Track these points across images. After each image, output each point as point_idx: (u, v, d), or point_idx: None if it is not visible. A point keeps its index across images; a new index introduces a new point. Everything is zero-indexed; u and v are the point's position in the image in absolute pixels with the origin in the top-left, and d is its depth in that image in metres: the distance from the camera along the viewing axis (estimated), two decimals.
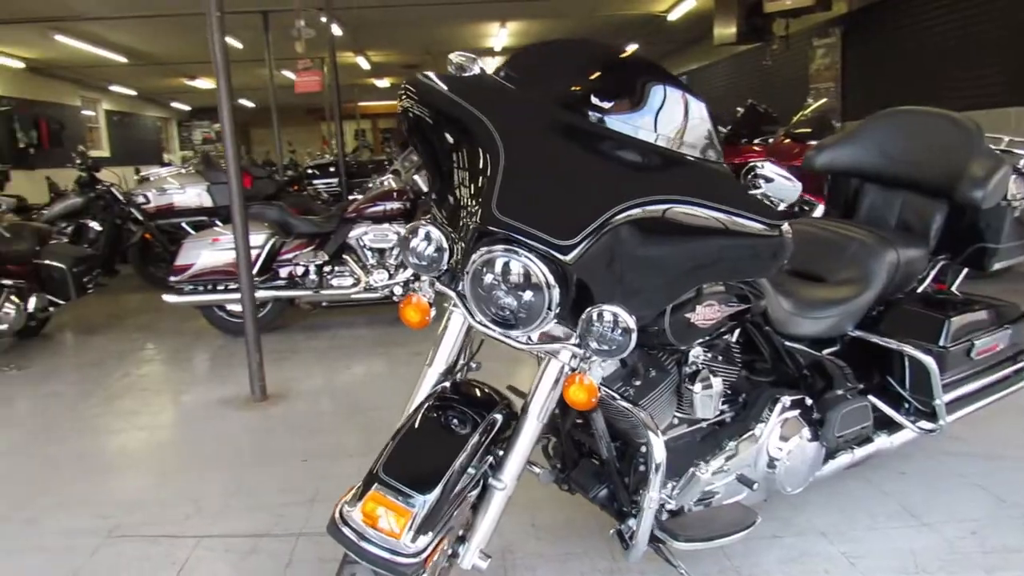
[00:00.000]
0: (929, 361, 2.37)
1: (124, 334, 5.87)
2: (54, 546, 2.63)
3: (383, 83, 18.96)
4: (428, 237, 1.84)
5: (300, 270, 5.38)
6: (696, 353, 2.11)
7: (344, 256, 5.46)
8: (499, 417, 1.87)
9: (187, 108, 22.98)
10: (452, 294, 1.85)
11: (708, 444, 2.23)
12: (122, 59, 13.42)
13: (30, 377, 4.84)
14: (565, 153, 1.77)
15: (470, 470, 1.78)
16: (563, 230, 1.63)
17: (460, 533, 1.91)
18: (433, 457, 1.70)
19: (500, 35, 13.87)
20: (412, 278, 1.96)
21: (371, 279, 5.31)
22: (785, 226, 1.85)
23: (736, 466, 2.22)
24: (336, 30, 11.77)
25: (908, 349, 2.39)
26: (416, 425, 1.78)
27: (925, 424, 2.50)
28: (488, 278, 1.71)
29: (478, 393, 1.95)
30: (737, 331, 2.29)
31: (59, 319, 6.17)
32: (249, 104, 21.56)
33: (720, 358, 2.21)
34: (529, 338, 1.80)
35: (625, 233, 1.66)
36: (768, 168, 1.99)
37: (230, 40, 12.21)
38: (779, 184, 1.99)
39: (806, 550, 2.39)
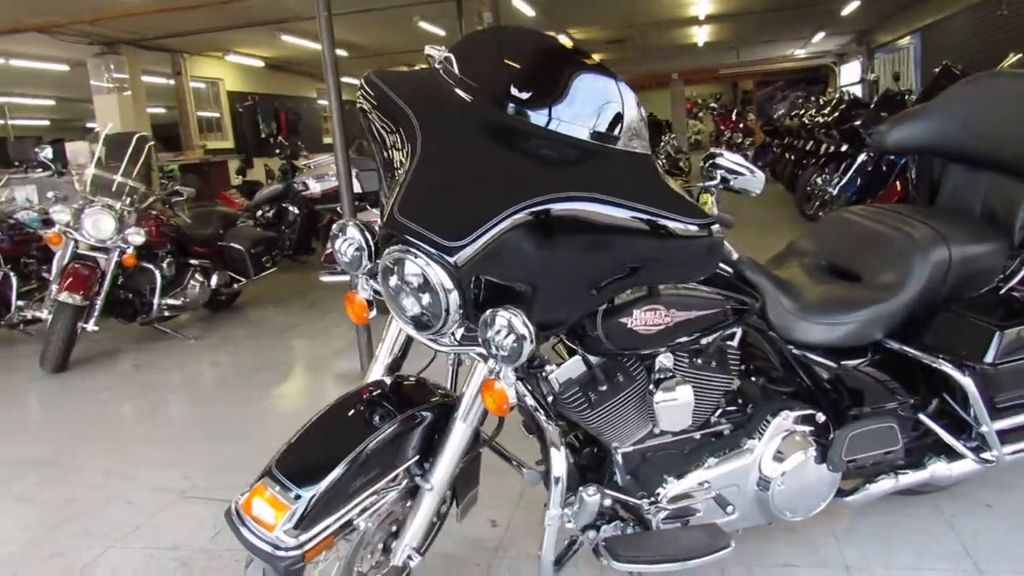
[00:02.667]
0: (967, 381, 1.98)
1: (294, 310, 6.45)
2: (136, 501, 2.99)
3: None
4: (354, 236, 1.87)
5: None
6: (665, 360, 1.94)
7: None
8: (428, 415, 1.85)
9: None
10: (383, 293, 1.85)
11: (691, 457, 2.05)
12: (343, 52, 14.57)
13: (203, 346, 5.49)
14: (477, 150, 1.70)
15: (397, 464, 1.79)
16: (453, 231, 1.57)
17: (393, 529, 1.93)
18: (325, 452, 1.72)
19: (701, 3, 13.22)
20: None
21: None
22: (716, 226, 1.64)
23: (720, 484, 2.02)
24: (528, 11, 11.95)
25: (941, 364, 2.01)
26: (319, 419, 1.81)
27: (985, 454, 2.10)
28: (393, 279, 1.70)
29: (415, 390, 1.94)
30: (738, 335, 2.07)
31: (253, 292, 6.89)
32: None
33: (713, 364, 2.01)
34: (454, 339, 1.76)
35: (524, 234, 1.57)
36: (728, 158, 1.79)
37: (432, 28, 12.76)
38: (740, 174, 1.79)
39: None
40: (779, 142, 12.83)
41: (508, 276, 1.61)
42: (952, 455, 2.18)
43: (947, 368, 2.01)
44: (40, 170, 6.44)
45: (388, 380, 1.96)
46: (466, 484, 2.07)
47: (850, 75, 20.46)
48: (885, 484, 2.18)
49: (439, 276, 1.57)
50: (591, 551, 1.96)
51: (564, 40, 1.77)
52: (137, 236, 5.15)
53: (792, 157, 10.88)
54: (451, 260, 1.55)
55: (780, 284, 2.05)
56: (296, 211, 8.21)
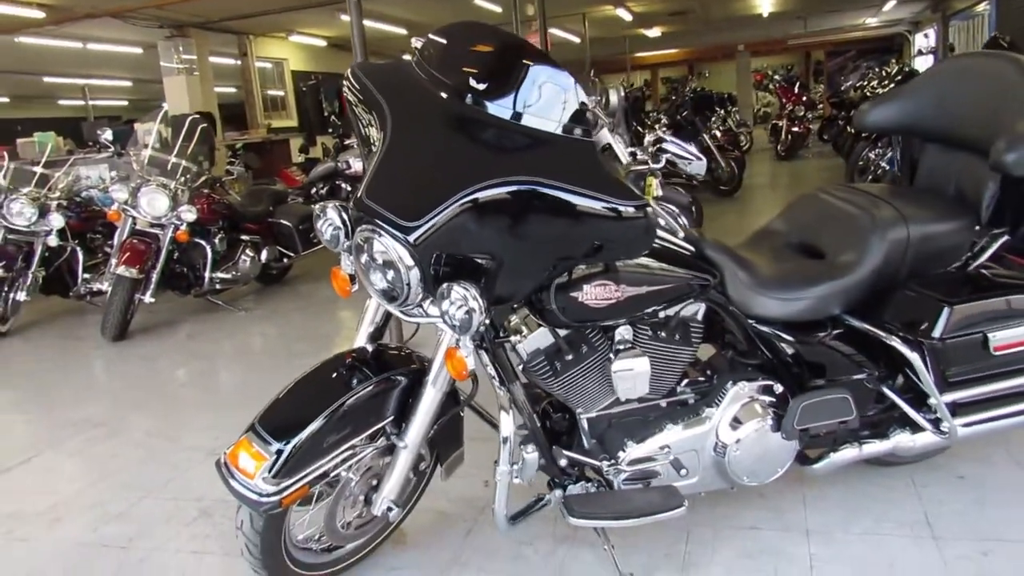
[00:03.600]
0: (914, 356, 2.05)
1: None
2: (172, 458, 3.28)
3: (653, 32, 18.65)
4: (333, 217, 2.04)
5: None
6: (624, 332, 2.07)
7: None
8: (403, 379, 2.04)
9: None
10: (356, 268, 2.02)
11: (653, 424, 2.17)
12: (402, 31, 14.78)
13: (253, 318, 5.81)
14: (436, 137, 1.85)
15: (373, 423, 1.99)
16: (411, 212, 1.73)
17: (374, 483, 2.13)
18: (303, 410, 1.93)
19: None
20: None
21: None
22: (649, 208, 1.77)
23: (679, 449, 2.14)
24: None
25: (891, 339, 2.08)
26: (300, 381, 2.02)
27: (943, 426, 2.16)
28: (364, 257, 1.87)
29: (394, 357, 2.13)
30: (702, 310, 2.18)
31: (304, 267, 7.18)
32: None
33: (676, 337, 2.13)
34: (423, 311, 1.92)
35: (474, 215, 1.72)
36: (672, 143, 1.90)
37: (488, 5, 12.85)
38: (684, 159, 1.90)
39: (774, 547, 2.22)
40: (845, 114, 12.51)
41: (463, 253, 1.77)
42: (916, 427, 2.24)
43: (896, 343, 2.08)
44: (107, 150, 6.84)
45: (370, 347, 2.15)
46: (449, 445, 2.25)
47: (924, 44, 19.71)
48: (849, 453, 2.26)
49: (400, 253, 1.73)
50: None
51: (521, 37, 1.90)
52: (189, 213, 5.46)
53: (853, 130, 10.64)
54: (409, 239, 1.71)
55: (740, 261, 2.14)
56: (349, 188, 8.50)
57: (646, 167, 1.88)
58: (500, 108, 1.80)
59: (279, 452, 1.85)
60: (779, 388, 2.18)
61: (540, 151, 1.78)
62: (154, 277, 5.43)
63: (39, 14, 10.26)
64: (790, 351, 2.21)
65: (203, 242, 5.72)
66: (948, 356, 2.07)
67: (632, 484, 2.14)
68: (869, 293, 2.16)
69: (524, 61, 1.84)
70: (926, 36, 17.68)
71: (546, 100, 1.80)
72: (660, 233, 2.05)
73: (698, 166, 1.87)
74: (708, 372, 2.30)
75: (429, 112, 1.88)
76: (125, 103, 22.06)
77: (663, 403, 2.20)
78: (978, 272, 2.27)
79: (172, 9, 11.38)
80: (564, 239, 1.79)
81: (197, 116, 5.93)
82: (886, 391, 2.24)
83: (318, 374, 2.05)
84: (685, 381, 2.25)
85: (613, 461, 2.11)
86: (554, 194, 1.73)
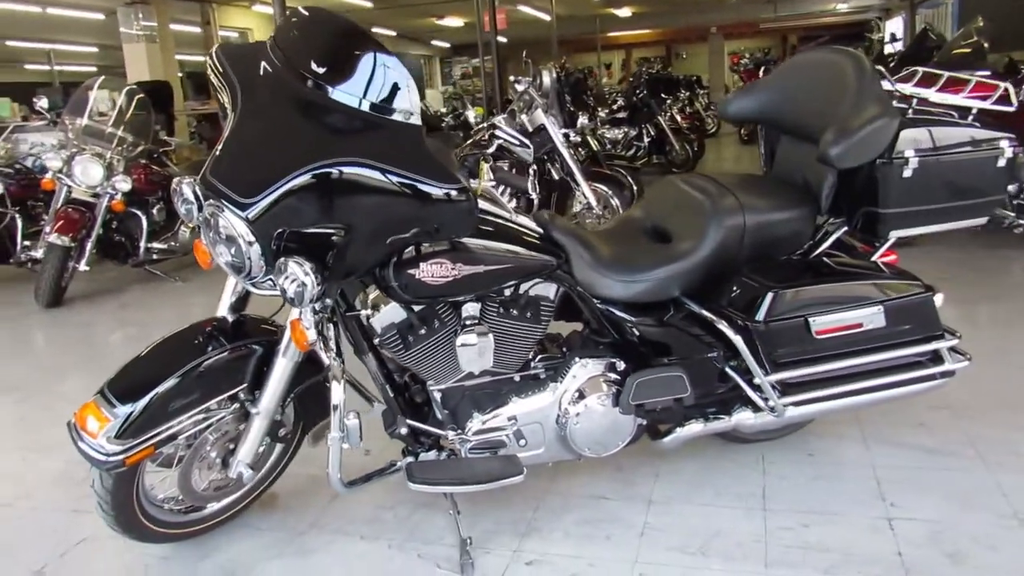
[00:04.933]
0: (736, 338, 2.17)
1: None
2: None
3: (623, 12, 18.64)
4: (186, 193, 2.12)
5: None
6: (471, 308, 2.17)
7: None
8: (258, 348, 2.15)
9: (446, 45, 24.32)
10: (207, 242, 2.10)
11: (503, 397, 2.27)
12: (368, 3, 14.69)
13: (190, 288, 5.88)
14: (277, 118, 1.93)
15: (224, 389, 2.09)
16: (248, 190, 1.82)
17: (231, 447, 2.23)
18: (151, 374, 2.03)
19: None
20: None
21: None
22: (470, 191, 1.86)
23: (524, 421, 2.25)
24: None
25: (719, 322, 2.20)
26: (154, 347, 2.12)
27: (771, 404, 2.29)
28: (211, 232, 1.96)
29: (252, 327, 2.23)
30: (555, 289, 2.28)
31: None
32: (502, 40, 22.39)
33: (528, 315, 2.23)
34: (272, 284, 2.01)
35: (306, 194, 1.81)
36: (502, 131, 1.99)
37: None
38: (513, 144, 1.99)
39: (614, 515, 2.35)
40: None
41: (296, 230, 1.86)
42: (756, 406, 2.37)
43: (723, 325, 2.20)
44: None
45: (230, 317, 2.24)
46: (315, 413, 2.35)
47: (894, 30, 19.81)
48: (694, 428, 2.36)
49: (241, 229, 1.82)
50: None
51: (362, 26, 1.98)
52: (124, 183, 5.49)
53: None
54: (247, 215, 1.80)
55: (587, 244, 2.24)
56: None
57: (479, 152, 1.97)
58: (339, 93, 1.88)
59: (126, 414, 1.95)
60: (622, 365, 2.30)
61: (370, 135, 1.87)
62: (88, 246, 5.46)
63: None
64: (636, 331, 2.33)
65: (139, 212, 5.76)
66: (773, 338, 2.19)
67: (479, 453, 2.25)
68: (707, 277, 2.27)
69: (362, 49, 1.91)
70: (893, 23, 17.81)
71: (381, 86, 1.88)
72: (504, 215, 2.16)
73: (526, 152, 1.97)
74: (563, 349, 2.41)
75: (273, 94, 1.96)
76: (94, 69, 21.77)
77: (516, 377, 2.31)
78: (819, 259, 2.39)
79: None
80: (390, 218, 1.88)
81: (133, 86, 5.93)
82: (728, 370, 2.35)
83: (172, 341, 2.14)
84: (540, 357, 2.36)
85: (459, 431, 2.22)
86: (379, 175, 1.82)
